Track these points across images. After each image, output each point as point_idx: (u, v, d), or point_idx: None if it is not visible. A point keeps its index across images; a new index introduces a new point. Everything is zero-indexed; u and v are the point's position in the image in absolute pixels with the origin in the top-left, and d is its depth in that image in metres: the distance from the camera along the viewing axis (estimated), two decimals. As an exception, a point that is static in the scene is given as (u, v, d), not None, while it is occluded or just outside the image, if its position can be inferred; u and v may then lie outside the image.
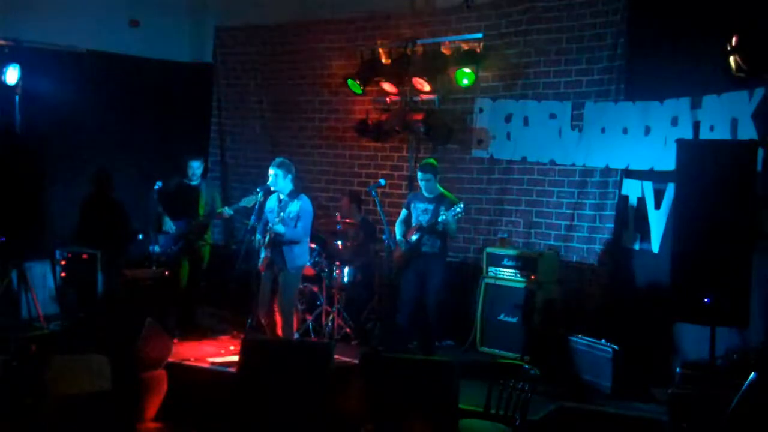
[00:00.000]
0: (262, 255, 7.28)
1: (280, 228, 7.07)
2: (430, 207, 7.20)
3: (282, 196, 7.30)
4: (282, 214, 7.17)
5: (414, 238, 7.18)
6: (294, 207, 7.20)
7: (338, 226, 8.34)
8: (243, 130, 10.59)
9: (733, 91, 6.43)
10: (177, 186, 8.34)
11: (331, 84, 9.66)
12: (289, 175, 7.29)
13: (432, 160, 7.55)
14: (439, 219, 7.02)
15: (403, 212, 7.51)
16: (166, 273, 8.26)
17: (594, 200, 7.73)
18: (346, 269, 8.09)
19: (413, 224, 7.30)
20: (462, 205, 7.05)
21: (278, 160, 7.39)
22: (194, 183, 8.34)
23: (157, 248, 8.22)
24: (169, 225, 8.20)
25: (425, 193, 7.31)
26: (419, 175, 7.33)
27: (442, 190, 7.36)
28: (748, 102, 6.33)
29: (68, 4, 9.15)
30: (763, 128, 6.19)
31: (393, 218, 7.88)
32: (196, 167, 8.32)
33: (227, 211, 8.14)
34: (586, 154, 7.71)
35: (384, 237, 7.69)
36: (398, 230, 7.45)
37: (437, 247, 7.20)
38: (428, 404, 4.95)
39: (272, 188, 7.30)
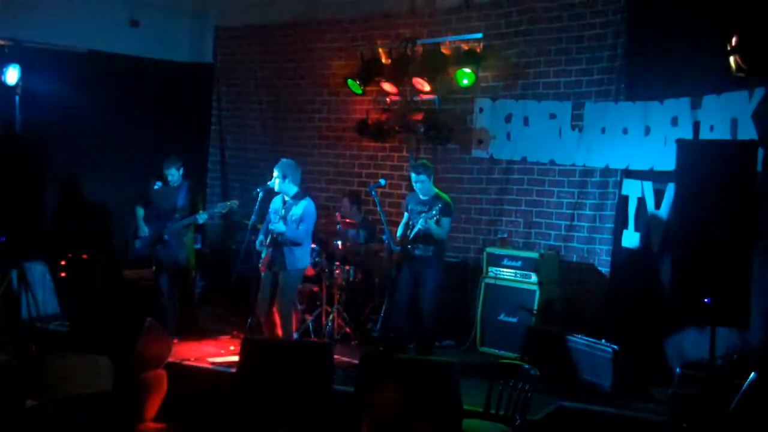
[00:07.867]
0: (263, 255, 7.27)
1: (281, 226, 7.05)
2: (424, 209, 7.10)
3: (287, 198, 7.29)
4: (286, 215, 7.16)
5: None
6: (298, 209, 7.19)
7: (338, 226, 8.34)
8: (243, 130, 10.59)
9: (733, 91, 6.43)
10: (157, 189, 8.20)
11: (331, 84, 9.66)
12: (295, 178, 7.27)
13: (425, 161, 7.51)
14: (418, 226, 6.95)
15: (405, 215, 7.43)
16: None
17: (594, 200, 7.73)
18: (346, 269, 8.09)
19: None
20: (437, 208, 6.93)
21: (284, 161, 7.35)
22: (173, 186, 8.12)
23: (138, 243, 8.16)
24: (143, 229, 8.11)
25: (420, 195, 7.26)
26: (413, 176, 7.25)
27: (437, 191, 7.29)
28: (748, 102, 6.34)
29: (68, 4, 9.15)
30: (763, 128, 6.19)
31: (393, 218, 7.88)
32: (172, 171, 8.05)
33: (200, 216, 7.99)
34: (586, 154, 7.71)
35: (384, 237, 7.68)
36: (400, 233, 7.42)
37: (430, 251, 7.11)
38: (431, 404, 4.94)
39: (274, 189, 7.28)
